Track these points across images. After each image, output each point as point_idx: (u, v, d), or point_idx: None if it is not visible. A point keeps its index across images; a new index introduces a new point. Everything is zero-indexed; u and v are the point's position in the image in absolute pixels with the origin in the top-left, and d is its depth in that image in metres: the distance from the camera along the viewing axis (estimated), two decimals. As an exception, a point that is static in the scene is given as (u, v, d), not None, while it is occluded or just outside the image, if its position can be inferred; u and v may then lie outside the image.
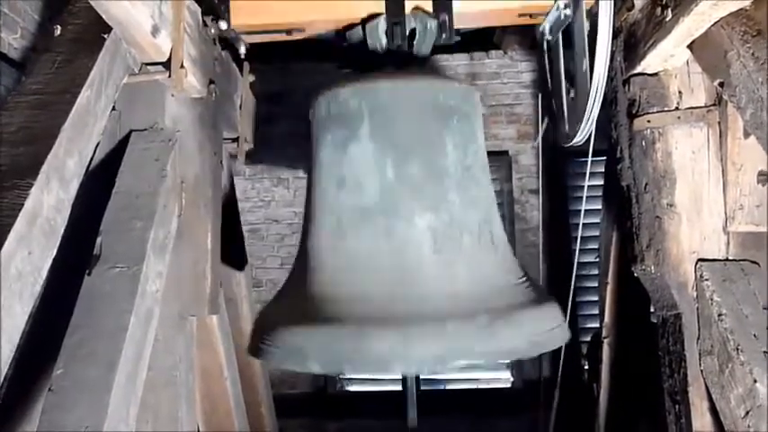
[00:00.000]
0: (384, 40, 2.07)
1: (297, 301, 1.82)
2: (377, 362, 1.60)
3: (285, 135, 5.67)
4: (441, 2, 2.12)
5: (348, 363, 1.67)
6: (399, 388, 5.50)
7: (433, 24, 2.09)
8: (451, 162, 1.85)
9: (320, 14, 2.13)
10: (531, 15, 2.30)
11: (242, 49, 2.31)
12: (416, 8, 2.11)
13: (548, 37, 2.32)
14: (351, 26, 2.15)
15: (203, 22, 2.11)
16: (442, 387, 5.68)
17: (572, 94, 2.15)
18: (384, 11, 2.07)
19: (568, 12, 2.06)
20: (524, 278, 1.89)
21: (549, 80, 2.44)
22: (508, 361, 5.62)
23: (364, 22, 2.10)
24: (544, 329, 1.74)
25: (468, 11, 2.19)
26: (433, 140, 1.85)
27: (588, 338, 3.77)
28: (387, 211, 1.78)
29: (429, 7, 2.13)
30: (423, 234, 1.76)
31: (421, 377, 5.49)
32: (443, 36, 2.11)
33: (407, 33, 2.07)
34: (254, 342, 1.86)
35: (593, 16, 1.88)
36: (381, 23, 2.06)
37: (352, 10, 2.13)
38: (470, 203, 1.87)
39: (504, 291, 1.79)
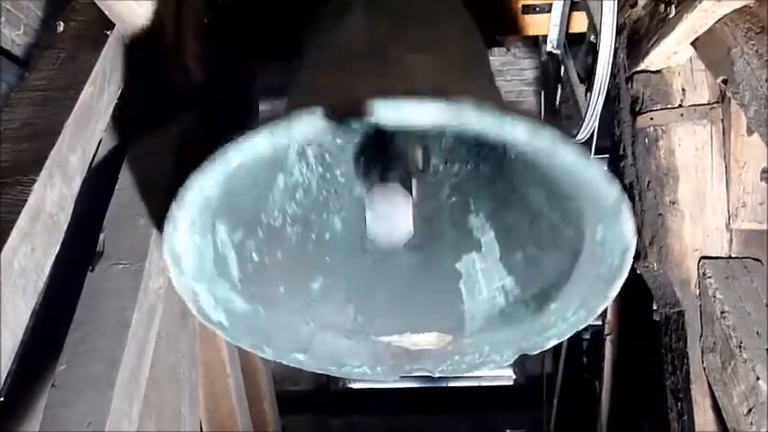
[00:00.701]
0: None
1: None
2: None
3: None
4: None
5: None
6: (400, 385, 5.53)
7: None
8: None
9: None
10: (535, 9, 2.30)
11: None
12: None
13: (555, 51, 2.33)
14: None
15: (205, 18, 2.12)
16: (444, 384, 5.69)
17: (576, 93, 2.15)
18: None
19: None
20: None
21: (553, 79, 2.44)
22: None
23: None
24: None
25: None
26: None
27: (587, 336, 3.77)
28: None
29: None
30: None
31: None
32: None
33: None
34: None
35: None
36: None
37: None
38: None
39: None
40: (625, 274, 1.24)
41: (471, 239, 1.55)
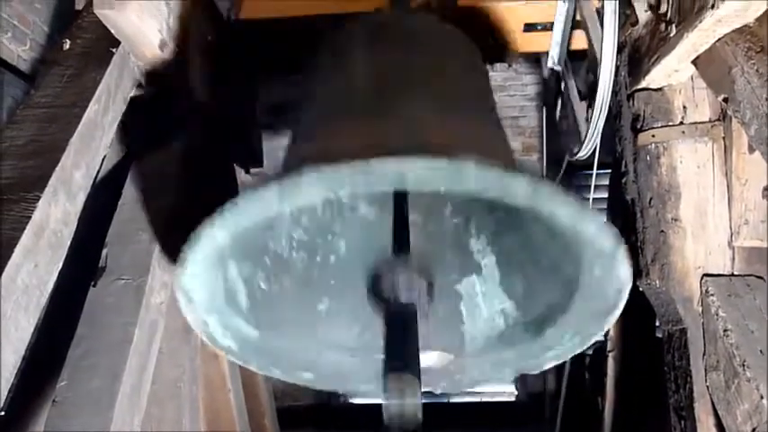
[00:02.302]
0: None
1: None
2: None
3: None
4: None
5: None
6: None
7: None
8: None
9: (325, 8, 2.13)
10: (537, 27, 2.32)
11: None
12: (421, 4, 2.11)
13: (556, 66, 2.34)
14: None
15: (211, 35, 2.14)
16: (445, 400, 5.66)
17: (579, 110, 2.16)
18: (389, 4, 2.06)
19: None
20: None
21: (555, 95, 2.45)
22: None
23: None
24: None
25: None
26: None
27: (590, 352, 3.76)
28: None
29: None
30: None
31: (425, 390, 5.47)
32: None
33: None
34: None
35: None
36: None
37: (357, 4, 2.13)
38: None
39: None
40: (619, 311, 1.27)
41: (472, 262, 1.57)
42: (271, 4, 2.14)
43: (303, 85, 1.83)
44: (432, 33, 1.69)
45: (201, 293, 1.25)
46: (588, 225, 1.10)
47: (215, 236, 1.11)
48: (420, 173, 1.04)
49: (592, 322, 1.33)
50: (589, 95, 2.08)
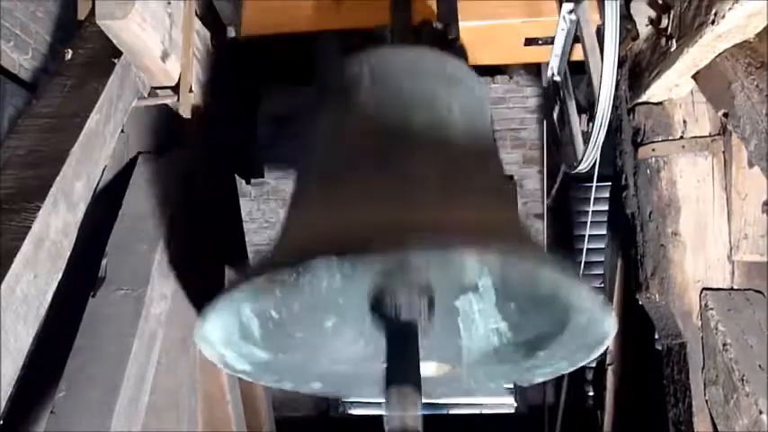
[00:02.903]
0: None
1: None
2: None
3: (291, 157, 5.70)
4: (446, 11, 2.10)
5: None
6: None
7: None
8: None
9: (326, 25, 2.14)
10: (538, 42, 2.32)
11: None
12: (423, 21, 2.11)
13: (556, 78, 2.35)
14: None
15: (212, 46, 2.14)
16: (444, 412, 5.64)
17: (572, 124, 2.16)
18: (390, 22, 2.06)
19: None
20: None
21: (555, 108, 2.45)
22: (512, 386, 5.58)
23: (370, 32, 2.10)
24: None
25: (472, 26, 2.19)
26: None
27: (593, 365, 3.74)
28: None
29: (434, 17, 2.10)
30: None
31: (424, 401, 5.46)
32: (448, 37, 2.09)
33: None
34: None
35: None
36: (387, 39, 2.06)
37: (357, 21, 2.14)
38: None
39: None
40: (605, 347, 1.42)
41: (469, 280, 1.59)
42: (271, 22, 2.14)
43: (304, 125, 1.87)
44: (435, 77, 1.70)
45: (218, 334, 1.34)
46: (580, 290, 1.25)
47: (227, 303, 1.26)
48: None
49: (579, 352, 1.44)
50: (589, 109, 2.08)
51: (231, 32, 2.19)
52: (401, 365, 1.22)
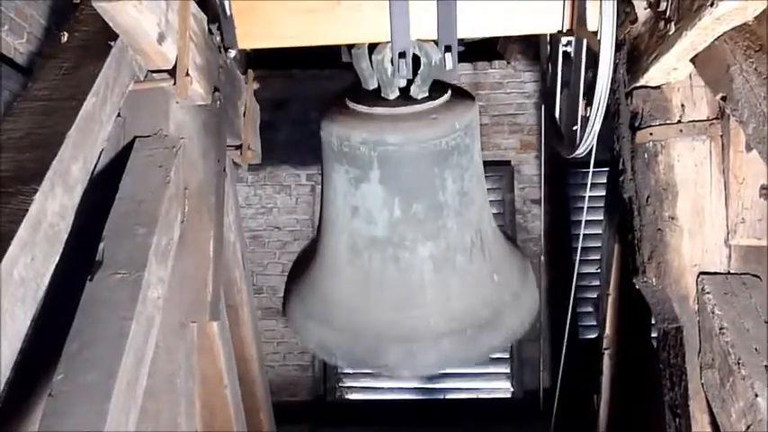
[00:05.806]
0: (389, 70, 2.09)
1: (316, 298, 2.37)
2: (389, 368, 2.24)
3: (288, 142, 5.69)
4: (445, 31, 2.07)
5: (365, 365, 2.35)
6: (397, 396, 5.52)
7: (436, 58, 2.06)
8: (450, 194, 2.16)
9: (323, 39, 2.11)
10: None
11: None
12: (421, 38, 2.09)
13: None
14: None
15: (209, 30, 2.13)
16: (441, 397, 5.67)
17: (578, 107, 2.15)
18: (389, 38, 2.05)
19: (569, 48, 2.09)
20: (506, 264, 2.39)
21: (552, 91, 2.44)
22: (507, 370, 5.62)
23: (371, 47, 2.10)
24: (518, 323, 2.29)
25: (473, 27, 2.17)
26: (434, 182, 2.13)
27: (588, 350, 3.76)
28: (394, 241, 2.16)
29: (434, 34, 2.06)
30: (424, 261, 2.17)
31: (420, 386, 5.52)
32: (446, 67, 2.09)
33: (412, 63, 2.07)
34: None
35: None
36: (387, 54, 2.06)
37: (357, 36, 2.12)
38: (464, 224, 2.21)
39: (488, 297, 2.26)
40: None
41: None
42: (267, 35, 2.12)
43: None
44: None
45: None
46: None
47: None
48: None
49: None
50: (587, 93, 2.08)
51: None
52: None
